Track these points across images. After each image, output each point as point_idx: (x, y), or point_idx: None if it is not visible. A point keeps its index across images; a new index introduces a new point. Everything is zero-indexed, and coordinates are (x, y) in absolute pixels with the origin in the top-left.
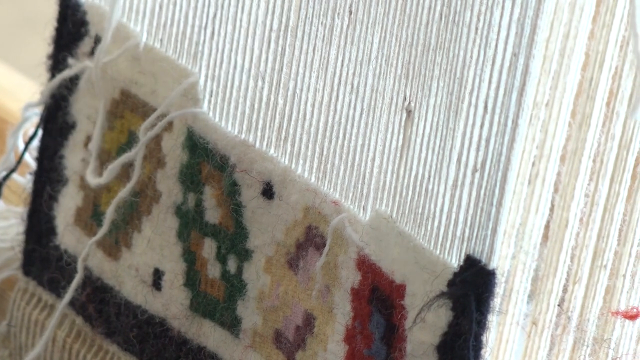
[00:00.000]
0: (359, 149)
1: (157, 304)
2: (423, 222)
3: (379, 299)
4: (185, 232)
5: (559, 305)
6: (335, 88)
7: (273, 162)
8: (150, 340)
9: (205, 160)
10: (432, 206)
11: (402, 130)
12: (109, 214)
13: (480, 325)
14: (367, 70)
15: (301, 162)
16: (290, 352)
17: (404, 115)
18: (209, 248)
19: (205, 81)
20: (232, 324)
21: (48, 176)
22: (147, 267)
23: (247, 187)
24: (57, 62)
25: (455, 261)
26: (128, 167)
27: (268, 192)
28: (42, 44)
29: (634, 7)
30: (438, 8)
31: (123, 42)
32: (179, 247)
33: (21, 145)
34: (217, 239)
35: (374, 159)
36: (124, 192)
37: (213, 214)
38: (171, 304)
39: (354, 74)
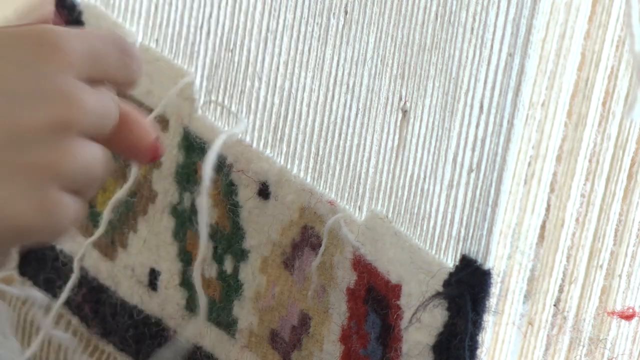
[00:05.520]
0: (354, 149)
1: (153, 304)
2: (419, 222)
3: (374, 299)
4: (181, 232)
5: (555, 306)
6: (331, 88)
7: (269, 162)
8: (146, 341)
9: (202, 160)
10: (428, 206)
11: (397, 131)
12: (106, 214)
13: (476, 325)
14: (362, 70)
15: (297, 162)
16: (286, 352)
17: (400, 115)
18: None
19: (201, 81)
20: (228, 324)
21: None
22: (143, 267)
23: (244, 187)
24: None
25: (451, 261)
26: (124, 167)
27: (264, 192)
28: None
29: (630, 7)
30: (434, 8)
31: None
32: (175, 247)
33: None
34: (214, 239)
35: (369, 159)
36: (120, 194)
37: (209, 214)
38: (167, 304)
39: (349, 74)
